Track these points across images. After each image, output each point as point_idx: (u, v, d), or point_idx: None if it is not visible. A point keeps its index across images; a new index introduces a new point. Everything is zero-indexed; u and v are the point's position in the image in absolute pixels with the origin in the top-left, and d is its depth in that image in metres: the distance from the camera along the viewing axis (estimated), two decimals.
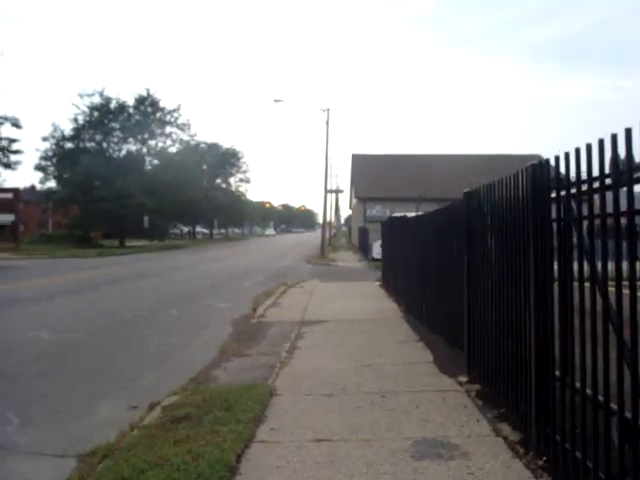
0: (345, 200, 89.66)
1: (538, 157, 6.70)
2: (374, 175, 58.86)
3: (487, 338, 7.43)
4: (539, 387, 5.61)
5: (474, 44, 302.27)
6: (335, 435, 6.32)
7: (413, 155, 65.66)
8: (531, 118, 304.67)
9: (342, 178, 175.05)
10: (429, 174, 55.71)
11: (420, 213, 16.11)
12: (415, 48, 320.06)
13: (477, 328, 7.97)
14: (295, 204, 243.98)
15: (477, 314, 7.97)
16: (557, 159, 5.27)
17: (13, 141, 40.05)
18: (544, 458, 5.45)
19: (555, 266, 5.44)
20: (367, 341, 11.84)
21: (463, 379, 8.38)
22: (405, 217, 17.26)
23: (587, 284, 4.79)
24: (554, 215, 5.46)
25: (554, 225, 5.47)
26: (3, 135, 39.50)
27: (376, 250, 38.85)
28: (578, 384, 4.92)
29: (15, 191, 78.67)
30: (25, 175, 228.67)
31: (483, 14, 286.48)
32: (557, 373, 5.32)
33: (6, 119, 39.17)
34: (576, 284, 5.02)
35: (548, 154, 5.50)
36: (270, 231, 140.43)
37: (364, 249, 46.47)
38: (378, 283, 23.31)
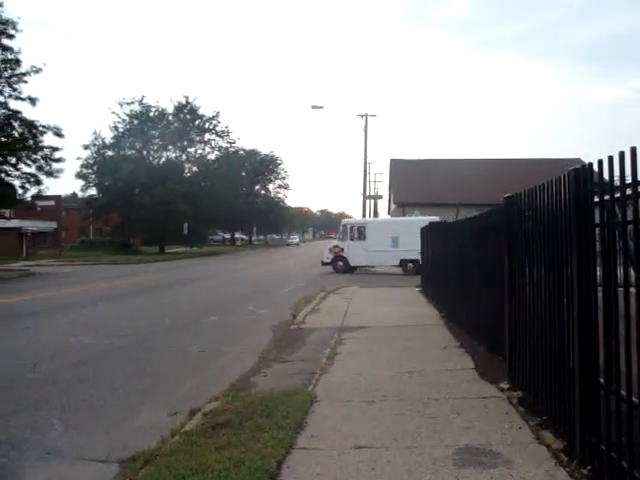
0: (384, 205, 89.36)
1: (579, 161, 6.63)
2: (413, 180, 58.61)
3: (529, 345, 7.34)
4: (583, 394, 5.52)
5: (510, 48, 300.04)
6: (376, 442, 6.29)
7: (452, 159, 65.35)
8: (571, 122, 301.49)
9: (381, 183, 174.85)
10: (468, 179, 55.31)
11: (460, 218, 16.02)
12: (451, 52, 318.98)
13: (519, 334, 7.87)
14: (334, 210, 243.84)
15: (519, 320, 7.88)
16: (600, 163, 5.19)
17: (55, 150, 40.52)
18: (588, 467, 5.36)
19: (599, 272, 5.36)
20: (407, 347, 11.78)
21: (505, 386, 8.28)
22: (445, 222, 17.17)
23: (632, 290, 4.71)
24: (597, 220, 5.38)
25: (597, 230, 5.39)
26: (46, 144, 39.96)
27: (325, 254, 40.31)
28: (624, 392, 4.84)
29: (57, 199, 79.92)
30: (67, 183, 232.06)
31: (520, 17, 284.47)
32: (602, 380, 5.24)
33: (48, 128, 39.63)
34: (621, 290, 4.93)
35: (589, 158, 5.44)
36: (293, 239, 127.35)
37: None
38: (417, 289, 23.20)
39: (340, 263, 39.39)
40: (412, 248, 33.88)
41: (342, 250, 39.40)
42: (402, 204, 58.59)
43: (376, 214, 72.09)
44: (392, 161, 68.42)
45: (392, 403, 7.77)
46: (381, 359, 10.75)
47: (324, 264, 40.17)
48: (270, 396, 8.09)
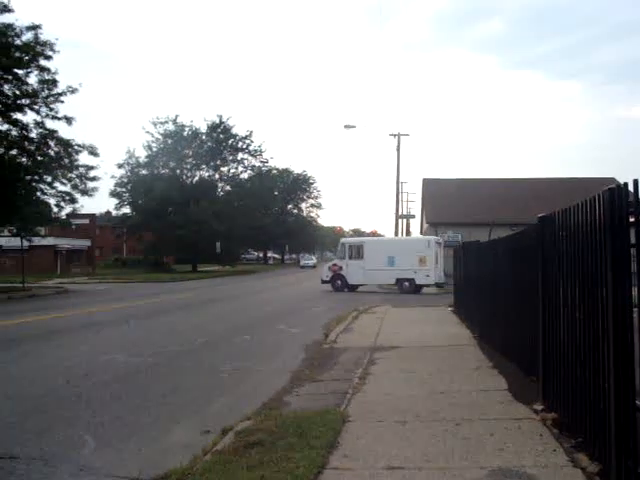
0: (416, 225, 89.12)
1: (613, 180, 6.59)
2: (445, 199, 58.42)
3: (563, 366, 7.27)
4: (619, 416, 5.45)
5: (542, 67, 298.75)
6: (409, 463, 6.25)
7: (484, 179, 65.08)
8: (605, 141, 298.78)
9: (413, 203, 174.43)
10: (501, 198, 55.07)
11: (493, 238, 15.94)
12: (483, 71, 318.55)
13: (553, 355, 7.80)
14: (366, 229, 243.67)
15: (553, 341, 7.80)
16: (636, 183, 5.16)
17: (90, 168, 40.99)
18: None
19: (635, 292, 5.30)
20: (440, 367, 11.71)
21: (538, 407, 8.19)
22: (478, 242, 17.10)
23: None
24: (633, 240, 5.33)
25: (633, 250, 5.34)
26: (81, 163, 40.47)
27: (325, 273, 41.40)
28: None
29: (91, 217, 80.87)
30: (101, 201, 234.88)
31: (551, 36, 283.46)
32: (638, 402, 5.17)
33: (84, 147, 40.13)
34: None
35: (624, 177, 5.40)
36: (309, 260, 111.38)
37: None
38: (450, 309, 23.09)
39: (339, 281, 40.33)
40: (408, 267, 38.32)
41: (340, 268, 40.48)
42: (434, 223, 58.36)
43: (408, 234, 71.99)
44: (425, 180, 68.29)
45: (425, 423, 7.72)
46: (414, 379, 10.70)
47: (323, 282, 41.20)
48: (302, 415, 8.09)
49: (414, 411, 8.34)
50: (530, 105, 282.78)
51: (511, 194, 55.86)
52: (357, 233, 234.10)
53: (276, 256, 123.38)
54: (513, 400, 8.89)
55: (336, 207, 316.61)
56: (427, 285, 38.90)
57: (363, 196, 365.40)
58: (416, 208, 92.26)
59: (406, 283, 38.57)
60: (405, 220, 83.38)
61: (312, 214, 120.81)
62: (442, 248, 40.93)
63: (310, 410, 8.45)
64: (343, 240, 43.50)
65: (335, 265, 41.21)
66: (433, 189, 63.46)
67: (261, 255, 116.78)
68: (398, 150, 51.68)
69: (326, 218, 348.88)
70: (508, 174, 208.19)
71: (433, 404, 8.78)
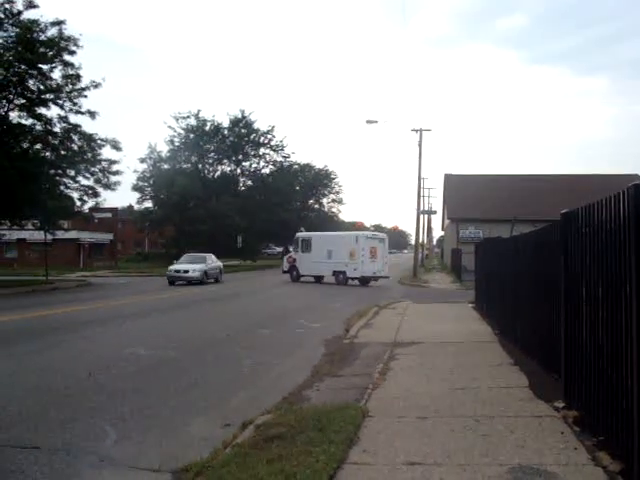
0: (438, 221, 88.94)
1: (637, 177, 6.51)
2: (467, 195, 58.24)
3: (586, 364, 7.22)
4: None
5: (566, 62, 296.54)
6: (428, 459, 6.24)
7: (506, 175, 64.84)
8: (628, 137, 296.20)
9: (435, 199, 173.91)
10: (524, 194, 54.81)
11: (515, 235, 15.86)
12: (506, 66, 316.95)
13: (575, 353, 7.75)
14: (387, 225, 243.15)
15: (575, 338, 7.76)
16: None
17: (113, 162, 41.19)
18: None
19: None
20: (460, 364, 11.67)
21: (559, 405, 8.15)
22: (499, 239, 17.02)
23: None
24: None
25: None
26: (104, 157, 40.69)
27: (284, 264, 46.10)
28: None
29: (114, 211, 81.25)
30: (123, 195, 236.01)
31: (576, 31, 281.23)
32: None
33: (107, 141, 40.33)
34: None
35: None
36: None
37: (457, 271, 46.02)
38: (471, 305, 23.00)
39: (294, 272, 44.74)
40: (341, 260, 41.84)
41: (295, 260, 45.01)
42: (456, 219, 58.28)
43: (430, 229, 71.86)
44: (446, 176, 68.16)
45: (445, 419, 7.71)
46: (434, 375, 10.68)
47: (284, 272, 45.95)
48: (322, 410, 8.09)
49: (434, 407, 8.33)
50: (552, 100, 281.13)
51: (533, 190, 55.59)
52: (378, 229, 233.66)
53: None
54: (534, 397, 8.84)
55: (357, 202, 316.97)
56: (354, 278, 41.45)
57: (384, 192, 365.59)
58: (438, 204, 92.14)
59: (340, 275, 41.83)
60: (427, 216, 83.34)
61: (333, 209, 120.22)
62: (386, 243, 44.16)
63: (330, 405, 8.46)
64: (297, 235, 47.11)
65: (290, 257, 45.65)
66: (455, 185, 63.34)
67: (281, 250, 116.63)
68: (420, 145, 51.50)
69: (347, 213, 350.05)
70: (530, 170, 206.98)
71: (453, 400, 8.76)
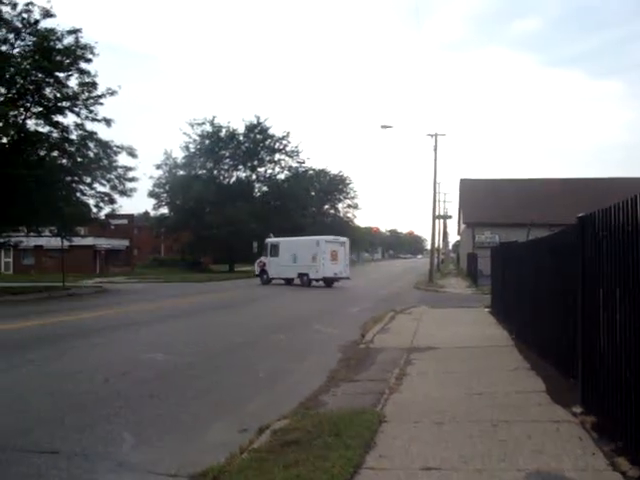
0: (453, 225, 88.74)
1: None
2: (483, 200, 58.09)
3: (603, 368, 7.18)
4: None
5: (581, 65, 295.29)
6: (445, 464, 6.22)
7: (523, 179, 64.62)
8: None
9: (450, 203, 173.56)
10: (539, 198, 54.55)
11: (531, 239, 15.81)
12: (521, 69, 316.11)
13: (592, 357, 7.71)
14: (403, 230, 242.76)
15: (592, 343, 7.71)
16: None
17: (129, 169, 41.39)
18: None
19: None
20: (477, 369, 11.64)
21: (577, 410, 8.10)
22: (515, 243, 16.97)
23: None
24: None
25: None
26: (120, 164, 40.90)
27: (256, 268, 50.09)
28: None
29: (130, 217, 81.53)
30: (139, 202, 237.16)
31: (590, 33, 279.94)
32: None
33: (122, 148, 40.51)
34: None
35: None
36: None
37: (473, 275, 45.91)
38: (487, 309, 22.90)
39: (265, 275, 48.26)
40: (305, 263, 45.28)
41: (264, 264, 48.53)
42: (472, 224, 58.13)
43: (445, 234, 71.80)
44: (462, 181, 68.04)
45: (461, 425, 7.69)
46: (450, 380, 10.66)
47: (255, 275, 49.86)
48: (339, 415, 8.09)
49: (451, 412, 8.30)
50: (567, 103, 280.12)
51: (549, 194, 55.33)
52: (394, 234, 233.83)
53: None
54: (551, 402, 8.80)
55: (373, 208, 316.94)
56: (317, 279, 44.80)
57: (400, 196, 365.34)
58: (453, 209, 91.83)
59: (304, 277, 45.28)
60: (442, 221, 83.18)
61: (349, 214, 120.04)
62: (347, 246, 47.69)
63: (346, 410, 8.45)
64: (267, 240, 50.39)
65: (261, 262, 49.20)
66: (470, 189, 63.20)
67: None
68: (435, 150, 51.38)
69: (363, 219, 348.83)
70: (545, 174, 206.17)
71: (470, 405, 8.73)
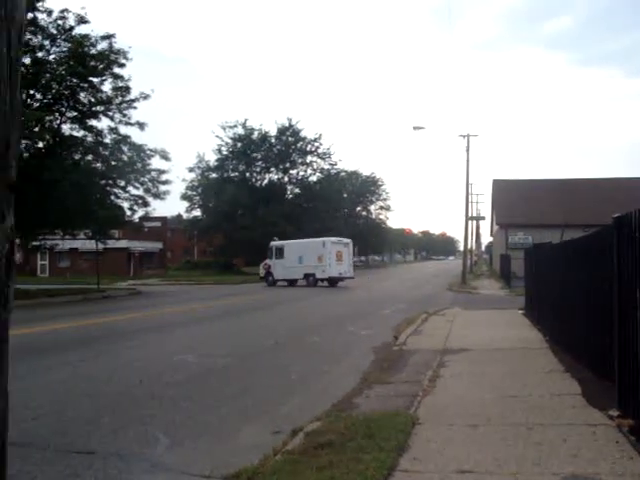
0: (486, 227, 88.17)
1: None
2: (516, 201, 57.68)
3: None
4: None
5: (616, 64, 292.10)
6: (479, 467, 6.19)
7: (556, 179, 64.06)
8: None
9: (483, 204, 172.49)
10: (574, 199, 54.06)
11: (565, 240, 15.67)
12: (554, 69, 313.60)
13: (629, 360, 7.62)
14: (435, 231, 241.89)
15: (629, 345, 7.63)
16: None
17: (162, 172, 41.73)
18: None
19: None
20: (511, 371, 11.56)
21: (614, 413, 8.01)
22: (549, 244, 16.83)
23: None
24: None
25: None
26: (153, 167, 41.26)
27: (261, 270, 52.00)
28: None
29: (163, 220, 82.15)
30: (172, 204, 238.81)
31: (624, 32, 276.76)
32: None
33: (156, 152, 40.89)
34: None
35: None
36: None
37: (506, 277, 45.59)
38: (521, 311, 22.72)
39: (270, 278, 49.99)
40: (311, 264, 47.26)
41: (270, 267, 50.43)
42: (505, 225, 57.74)
43: (478, 235, 71.47)
44: (495, 181, 67.57)
45: (496, 427, 7.64)
46: (484, 382, 10.60)
47: (260, 278, 51.50)
48: (372, 417, 8.08)
49: (485, 415, 8.26)
50: (601, 102, 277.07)
51: (583, 195, 54.82)
52: (426, 235, 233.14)
53: None
54: (587, 405, 8.71)
55: (405, 209, 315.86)
56: (323, 279, 46.96)
57: (432, 198, 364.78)
58: (486, 210, 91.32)
59: (311, 277, 47.24)
60: (475, 222, 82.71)
61: (381, 216, 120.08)
62: (350, 247, 50.00)
63: (380, 412, 8.44)
64: (272, 244, 51.95)
65: (266, 264, 51.02)
66: (503, 190, 62.77)
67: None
68: (467, 151, 51.13)
69: (395, 220, 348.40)
70: (579, 174, 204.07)
71: (504, 408, 8.68)
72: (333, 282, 47.15)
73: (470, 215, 58.76)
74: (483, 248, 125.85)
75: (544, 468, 6.12)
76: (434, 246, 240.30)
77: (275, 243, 51.79)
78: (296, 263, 48.18)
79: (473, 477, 5.93)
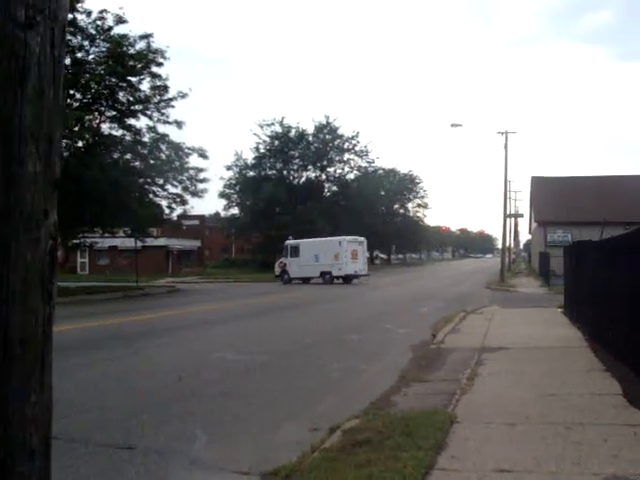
0: (525, 224, 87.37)
1: None
2: (555, 198, 57.03)
3: None
4: None
5: None
6: (518, 466, 6.14)
7: (596, 176, 63.19)
8: None
9: (521, 202, 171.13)
10: (614, 196, 53.27)
11: (605, 237, 15.49)
12: (593, 64, 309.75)
13: None
14: (473, 228, 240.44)
15: None
16: None
17: (200, 170, 42.05)
18: None
19: None
20: (550, 369, 11.44)
21: None
22: (589, 242, 16.65)
23: None
24: None
25: None
26: (191, 165, 41.58)
27: (276, 269, 52.85)
28: None
29: (201, 218, 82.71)
30: (210, 202, 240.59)
31: None
32: None
33: (193, 150, 41.21)
34: None
35: None
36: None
37: (545, 275, 45.15)
38: (560, 310, 22.50)
39: (286, 276, 50.72)
40: (327, 262, 48.39)
41: (285, 265, 51.27)
42: (543, 222, 57.19)
43: (516, 233, 71.02)
44: (533, 178, 66.97)
45: (535, 426, 7.58)
46: (522, 381, 10.51)
47: (276, 277, 52.24)
48: (410, 415, 8.06)
49: (523, 413, 8.19)
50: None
51: (623, 191, 54.00)
52: (464, 233, 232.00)
53: (383, 256, 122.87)
54: (628, 405, 8.59)
55: (443, 207, 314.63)
56: (338, 277, 48.25)
57: (470, 195, 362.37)
58: (524, 207, 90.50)
59: (327, 275, 48.29)
60: (513, 219, 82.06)
61: (419, 214, 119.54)
62: (364, 245, 51.62)
63: (417, 410, 8.41)
64: (287, 243, 52.80)
65: (282, 262, 51.93)
66: (541, 187, 62.17)
67: (367, 255, 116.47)
68: (506, 148, 50.70)
69: (433, 218, 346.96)
70: (618, 170, 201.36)
71: (543, 407, 8.60)
72: (348, 280, 48.34)
73: (508, 212, 58.28)
74: (521, 246, 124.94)
75: (584, 468, 6.05)
76: (472, 244, 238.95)
77: (290, 242, 52.73)
78: (312, 261, 49.31)
79: (512, 476, 5.89)
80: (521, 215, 78.17)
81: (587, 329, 15.77)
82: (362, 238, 52.25)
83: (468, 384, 10.33)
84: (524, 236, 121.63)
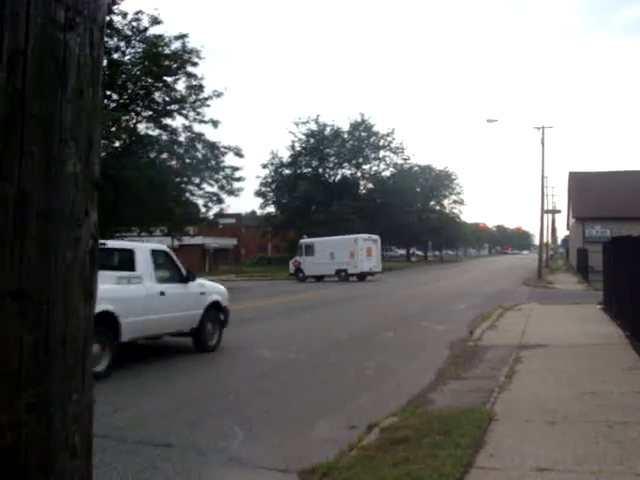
0: (562, 220, 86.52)
1: None
2: (593, 193, 56.37)
3: None
4: None
5: None
6: (558, 465, 6.08)
7: (634, 171, 62.26)
8: None
9: (559, 197, 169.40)
10: None
11: None
12: (632, 57, 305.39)
13: None
14: (510, 225, 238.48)
15: None
16: None
17: (236, 169, 42.25)
18: None
19: None
20: (589, 367, 11.32)
21: None
22: (629, 237, 16.43)
23: None
24: None
25: None
26: (227, 164, 41.79)
27: (291, 267, 52.78)
28: None
29: (237, 216, 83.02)
30: (246, 201, 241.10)
31: None
32: None
33: (229, 149, 41.43)
34: None
35: None
36: None
37: (583, 271, 44.66)
38: (599, 306, 22.24)
39: (300, 274, 51.23)
40: (342, 260, 49.34)
41: (300, 263, 51.69)
42: (581, 218, 56.58)
43: (554, 229, 70.40)
44: (571, 174, 66.31)
45: (574, 425, 7.50)
46: (561, 379, 10.40)
47: (290, 275, 52.71)
48: (447, 413, 8.03)
49: (563, 411, 8.11)
50: None
51: None
52: (500, 229, 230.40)
53: (419, 253, 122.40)
54: None
55: (479, 203, 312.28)
56: (354, 274, 49.08)
57: (506, 191, 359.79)
58: (562, 203, 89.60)
59: (342, 273, 49.25)
60: (550, 215, 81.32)
61: (455, 210, 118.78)
62: (378, 243, 52.66)
63: (455, 408, 8.38)
64: (301, 241, 54.06)
65: (296, 261, 52.31)
66: (579, 183, 61.49)
67: (404, 252, 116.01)
68: (542, 143, 50.21)
69: (469, 214, 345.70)
70: None
71: (583, 405, 8.51)
72: (363, 277, 49.44)
73: (546, 208, 57.84)
74: (559, 242, 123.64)
75: (627, 467, 5.97)
76: (509, 240, 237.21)
77: (304, 241, 53.73)
78: (327, 259, 50.07)
79: (552, 475, 5.83)
80: (558, 211, 77.65)
81: (628, 326, 15.56)
82: (376, 236, 53.20)
83: (506, 382, 10.26)
84: (562, 232, 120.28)
